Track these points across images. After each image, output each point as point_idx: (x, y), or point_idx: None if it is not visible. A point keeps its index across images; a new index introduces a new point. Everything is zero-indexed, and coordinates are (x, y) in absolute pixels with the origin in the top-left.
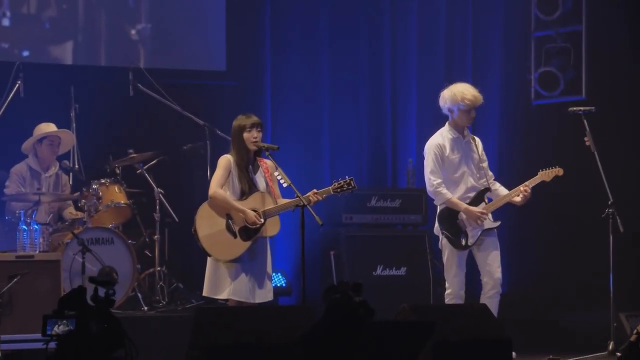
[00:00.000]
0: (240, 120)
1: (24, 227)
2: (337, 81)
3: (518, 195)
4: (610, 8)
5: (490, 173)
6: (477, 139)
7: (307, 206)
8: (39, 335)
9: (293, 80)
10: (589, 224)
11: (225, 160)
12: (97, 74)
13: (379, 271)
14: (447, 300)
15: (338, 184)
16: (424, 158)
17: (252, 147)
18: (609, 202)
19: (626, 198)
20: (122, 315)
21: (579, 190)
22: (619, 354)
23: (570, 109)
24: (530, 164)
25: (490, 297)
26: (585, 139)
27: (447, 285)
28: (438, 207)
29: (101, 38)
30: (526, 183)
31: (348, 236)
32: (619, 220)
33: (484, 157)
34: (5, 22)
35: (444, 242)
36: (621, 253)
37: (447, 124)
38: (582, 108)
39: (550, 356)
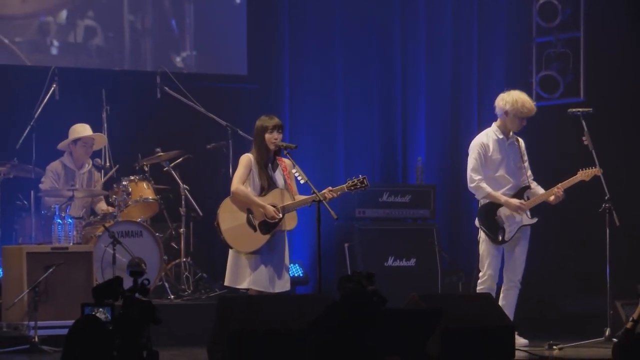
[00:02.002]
0: (263, 121)
1: (58, 220)
2: (351, 85)
3: (552, 195)
4: (606, 16)
5: (530, 172)
6: (520, 139)
7: (323, 202)
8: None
9: (310, 83)
10: (588, 218)
11: (247, 159)
12: (127, 78)
13: (390, 262)
14: (478, 288)
15: (352, 182)
16: (460, 155)
17: (272, 147)
18: (606, 198)
19: (621, 193)
20: None
21: (578, 186)
22: (615, 339)
23: (570, 110)
24: (531, 162)
25: (508, 289)
26: (584, 138)
27: (481, 274)
28: (479, 202)
29: (146, 66)
30: (562, 183)
31: (361, 229)
32: (615, 215)
33: (525, 157)
34: (54, 51)
35: (482, 236)
36: (617, 245)
37: (494, 124)
38: (580, 109)
39: (550, 342)
